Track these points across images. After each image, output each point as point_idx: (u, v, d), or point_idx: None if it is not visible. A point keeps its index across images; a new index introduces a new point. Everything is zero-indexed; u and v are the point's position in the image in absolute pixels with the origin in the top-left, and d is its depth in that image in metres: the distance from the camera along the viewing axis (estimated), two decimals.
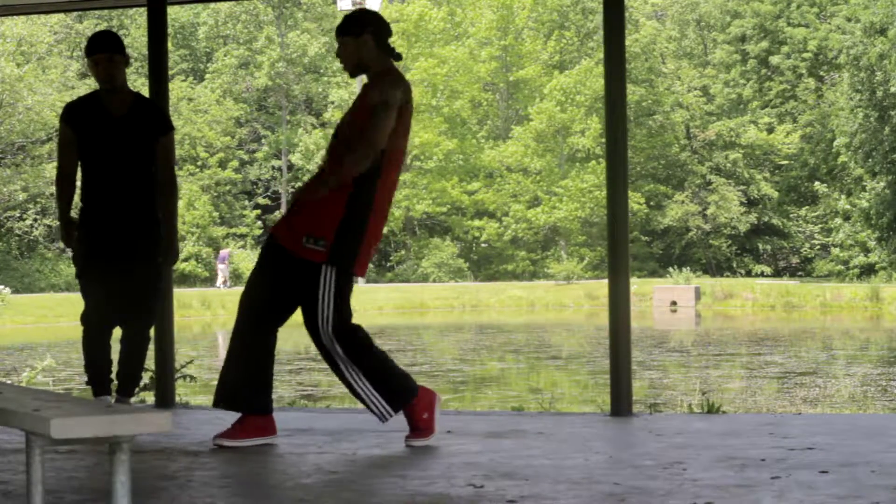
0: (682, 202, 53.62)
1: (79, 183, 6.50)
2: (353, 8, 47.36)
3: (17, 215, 44.75)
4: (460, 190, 53.26)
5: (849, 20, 50.26)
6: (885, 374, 18.61)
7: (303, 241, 5.66)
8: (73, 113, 6.44)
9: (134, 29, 53.88)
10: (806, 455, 5.28)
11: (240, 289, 39.67)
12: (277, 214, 54.70)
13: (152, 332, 6.70)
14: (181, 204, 45.57)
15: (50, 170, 42.67)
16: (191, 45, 59.03)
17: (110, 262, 6.35)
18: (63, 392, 7.73)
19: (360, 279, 6.14)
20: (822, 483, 4.61)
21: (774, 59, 55.83)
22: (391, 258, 54.49)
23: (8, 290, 33.04)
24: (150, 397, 8.31)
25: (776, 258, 55.70)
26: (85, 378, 6.62)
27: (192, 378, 8.96)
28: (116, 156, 6.36)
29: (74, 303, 6.69)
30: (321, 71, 56.65)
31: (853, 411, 13.83)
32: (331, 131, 52.75)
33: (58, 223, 6.75)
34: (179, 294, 33.51)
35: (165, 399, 7.50)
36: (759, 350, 23.30)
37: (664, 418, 7.06)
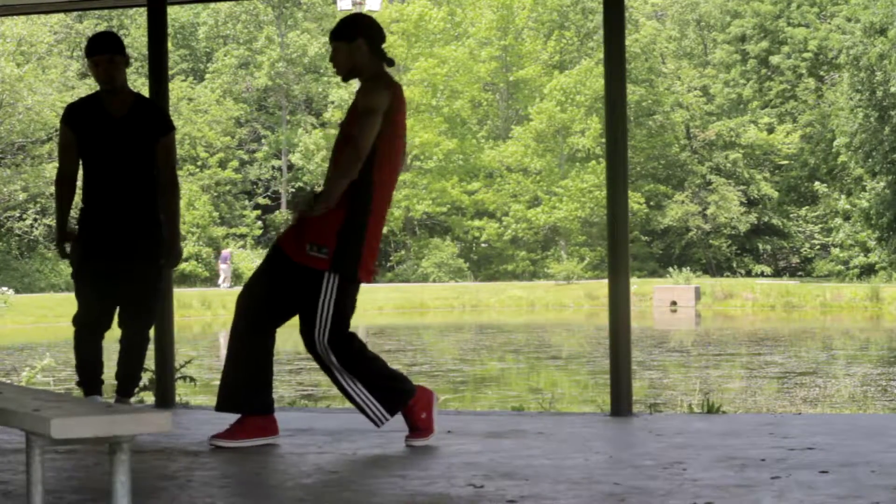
0: (682, 202, 53.62)
1: (80, 183, 6.49)
2: (353, 8, 47.37)
3: (17, 215, 44.74)
4: (460, 190, 53.26)
5: (849, 20, 50.26)
6: (885, 374, 18.61)
7: (307, 249, 5.67)
8: (74, 114, 6.43)
9: (134, 29, 53.88)
10: (806, 455, 5.28)
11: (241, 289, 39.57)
12: (277, 214, 54.73)
13: (152, 332, 6.69)
14: (181, 204, 45.41)
15: (50, 170, 42.67)
16: (191, 45, 59.03)
17: (110, 262, 6.34)
18: (63, 392, 7.72)
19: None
20: (822, 483, 4.60)
21: (774, 59, 55.83)
22: (391, 258, 54.49)
23: (11, 291, 33.11)
24: (150, 397, 8.31)
25: (776, 258, 55.70)
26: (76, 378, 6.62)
27: (191, 379, 8.95)
28: (117, 157, 6.35)
29: (74, 303, 6.67)
30: (321, 71, 56.64)
31: (853, 411, 13.83)
32: (331, 131, 52.84)
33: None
34: (179, 294, 33.51)
35: (165, 399, 7.50)
36: (759, 350, 23.30)
37: (664, 418, 7.06)
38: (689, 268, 47.66)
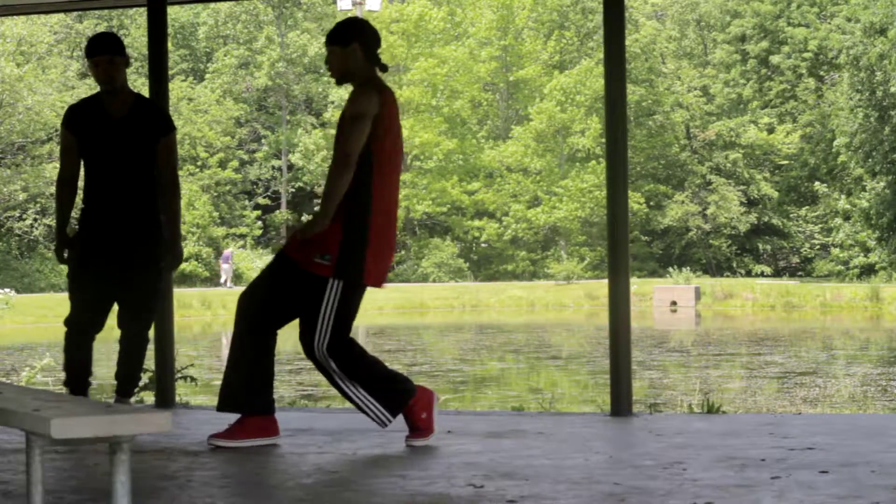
0: (682, 202, 53.62)
1: (81, 184, 6.48)
2: (353, 8, 47.34)
3: (17, 215, 44.74)
4: (460, 190, 53.26)
5: (849, 20, 50.26)
6: (885, 374, 18.61)
7: (312, 257, 5.69)
8: (74, 116, 6.43)
9: (134, 29, 53.87)
10: (806, 455, 5.28)
11: (242, 289, 39.65)
12: (277, 214, 54.75)
13: (152, 332, 6.68)
14: (181, 204, 45.37)
15: (50, 170, 42.69)
16: (191, 45, 59.03)
17: (110, 263, 6.33)
18: (63, 392, 7.72)
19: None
20: (822, 483, 4.61)
21: (774, 59, 55.83)
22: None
23: (12, 291, 33.12)
24: (150, 397, 8.31)
25: (776, 258, 55.69)
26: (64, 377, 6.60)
27: (192, 379, 8.95)
28: (117, 157, 6.34)
29: None
30: (321, 71, 56.62)
31: (853, 411, 13.83)
32: (331, 131, 52.84)
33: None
34: (179, 294, 33.51)
35: (165, 399, 7.50)
36: (759, 350, 23.30)
37: (664, 418, 7.06)
38: (689, 268, 47.66)
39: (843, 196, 50.34)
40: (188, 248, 47.25)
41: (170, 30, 48.39)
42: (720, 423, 6.53)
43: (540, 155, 53.01)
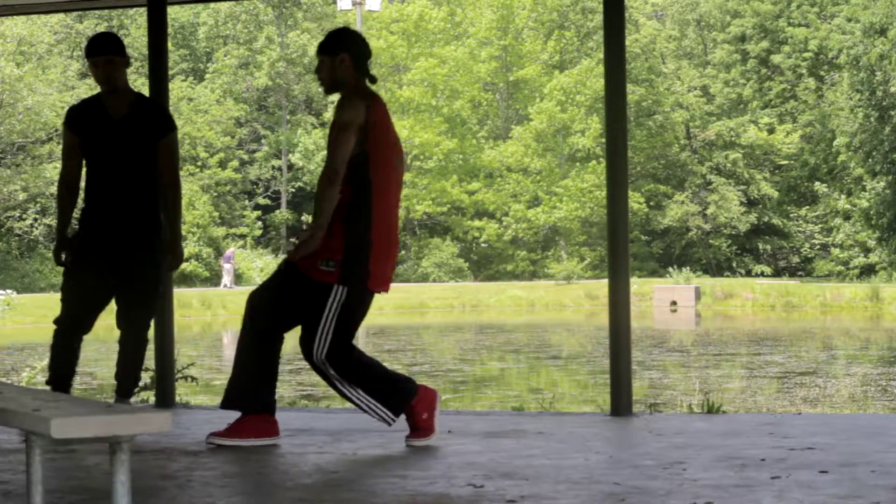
0: (682, 202, 53.62)
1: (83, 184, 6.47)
2: (353, 8, 47.30)
3: (17, 215, 44.73)
4: (460, 190, 53.25)
5: (849, 20, 50.26)
6: (885, 374, 18.61)
7: (317, 264, 5.70)
8: (75, 116, 6.42)
9: (134, 29, 53.86)
10: (806, 455, 5.28)
11: (243, 289, 39.69)
12: (277, 214, 54.73)
13: (152, 332, 6.67)
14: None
15: (50, 170, 42.69)
16: (191, 45, 59.03)
17: (110, 263, 6.32)
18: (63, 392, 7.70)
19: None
20: (822, 483, 4.61)
21: (775, 59, 55.83)
22: None
23: (13, 293, 33.11)
24: (150, 397, 8.31)
25: (776, 258, 55.68)
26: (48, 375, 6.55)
27: (192, 379, 8.96)
28: (117, 157, 6.32)
29: None
30: None
31: (853, 411, 13.84)
32: None
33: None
34: (179, 294, 33.50)
35: (165, 399, 7.50)
36: (759, 350, 23.29)
37: (664, 418, 7.06)
38: (689, 268, 47.67)
39: (843, 196, 50.34)
40: (188, 248, 47.25)
41: (170, 30, 48.35)
42: (720, 423, 6.53)
43: (540, 155, 53.01)
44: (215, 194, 51.55)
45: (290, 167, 55.49)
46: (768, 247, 54.45)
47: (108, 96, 6.38)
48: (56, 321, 6.38)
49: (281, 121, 57.03)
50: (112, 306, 6.45)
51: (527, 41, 55.52)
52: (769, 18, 56.18)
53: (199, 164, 51.12)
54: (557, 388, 17.23)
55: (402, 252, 53.90)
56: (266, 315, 5.83)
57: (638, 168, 53.97)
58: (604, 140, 26.03)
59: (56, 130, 42.07)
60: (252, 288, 6.93)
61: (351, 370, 5.76)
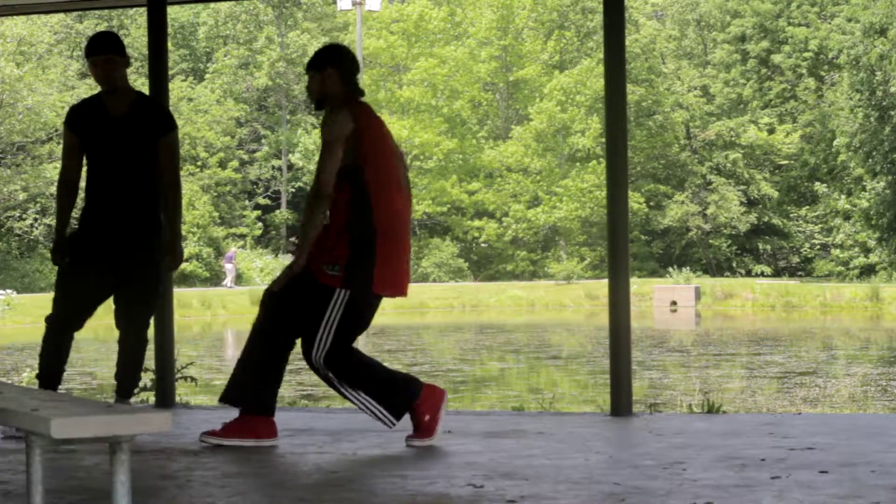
0: (682, 202, 53.61)
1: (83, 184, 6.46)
2: (353, 8, 47.25)
3: (17, 215, 44.71)
4: (460, 190, 53.25)
5: (849, 20, 50.25)
6: (885, 374, 18.61)
7: (323, 268, 5.71)
8: (75, 116, 6.41)
9: (134, 29, 53.86)
10: (806, 455, 5.28)
11: (244, 289, 39.67)
12: (277, 214, 54.73)
13: (152, 332, 6.67)
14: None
15: (50, 170, 42.67)
16: (191, 45, 59.02)
17: (109, 262, 6.30)
18: (63, 392, 7.71)
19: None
20: (822, 483, 4.61)
21: (775, 59, 55.82)
22: None
23: (14, 293, 33.08)
24: (150, 397, 8.31)
25: (776, 258, 55.68)
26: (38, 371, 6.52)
27: (192, 379, 8.95)
28: (117, 157, 6.31)
29: None
30: None
31: (853, 411, 13.84)
32: None
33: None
34: (179, 294, 33.50)
35: (165, 399, 7.50)
36: (759, 350, 23.29)
37: (664, 418, 7.06)
38: (689, 268, 47.65)
39: (843, 196, 50.33)
40: (188, 248, 47.25)
41: (170, 30, 48.35)
42: (720, 423, 6.53)
43: (540, 155, 52.99)
44: (215, 194, 51.54)
45: (290, 167, 55.49)
46: (768, 247, 54.44)
47: (108, 96, 6.37)
48: (48, 319, 6.35)
49: (281, 121, 57.03)
50: (110, 305, 6.44)
51: (527, 41, 55.52)
52: (769, 18, 56.17)
53: (199, 164, 51.11)
54: (557, 388, 17.23)
55: None
56: (273, 315, 5.84)
57: (638, 168, 53.95)
58: (604, 140, 26.03)
59: (56, 130, 42.05)
60: (252, 288, 6.94)
61: (351, 373, 5.76)
